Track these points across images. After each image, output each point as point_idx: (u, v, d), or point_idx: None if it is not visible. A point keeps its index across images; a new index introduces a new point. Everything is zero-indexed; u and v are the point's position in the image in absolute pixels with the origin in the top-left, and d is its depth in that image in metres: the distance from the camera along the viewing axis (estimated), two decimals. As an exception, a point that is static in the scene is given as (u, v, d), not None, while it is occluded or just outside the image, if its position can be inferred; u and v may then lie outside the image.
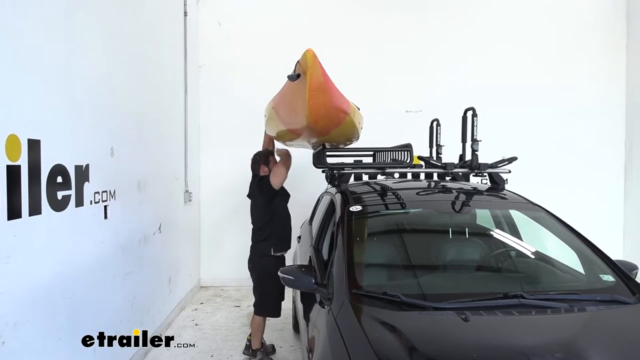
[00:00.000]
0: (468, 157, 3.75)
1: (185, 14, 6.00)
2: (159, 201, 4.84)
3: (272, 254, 4.12)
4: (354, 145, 4.49)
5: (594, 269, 2.68)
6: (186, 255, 6.11)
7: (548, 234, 2.96)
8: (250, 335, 4.33)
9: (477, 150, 3.62)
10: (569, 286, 2.73)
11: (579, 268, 2.78)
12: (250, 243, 4.26)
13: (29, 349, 2.56)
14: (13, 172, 2.40)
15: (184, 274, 6.00)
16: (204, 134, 6.83)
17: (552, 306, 2.24)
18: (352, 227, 2.85)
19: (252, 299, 4.25)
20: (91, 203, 3.27)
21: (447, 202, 3.30)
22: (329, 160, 3.81)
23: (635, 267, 2.74)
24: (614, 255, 2.80)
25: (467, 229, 3.31)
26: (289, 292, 4.27)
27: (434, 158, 4.44)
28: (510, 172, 3.63)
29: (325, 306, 2.46)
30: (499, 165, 3.60)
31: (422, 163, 4.06)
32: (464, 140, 3.84)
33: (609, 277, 2.54)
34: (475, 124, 3.65)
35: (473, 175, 3.78)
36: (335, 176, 3.74)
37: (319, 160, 3.84)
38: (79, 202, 3.09)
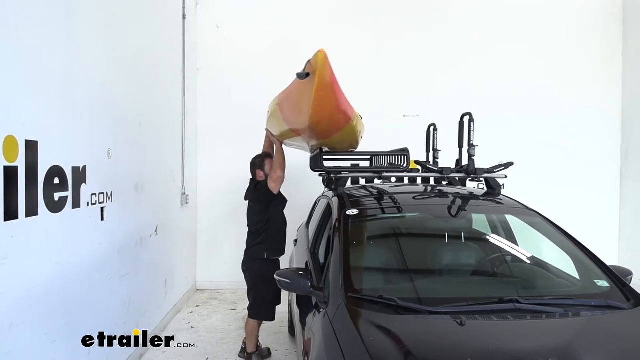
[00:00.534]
0: (465, 162, 3.77)
1: (184, 16, 6.01)
2: (155, 203, 4.84)
3: (265, 257, 4.11)
4: (351, 149, 4.50)
5: (589, 274, 2.69)
6: (182, 257, 6.10)
7: (544, 239, 2.97)
8: (245, 338, 4.32)
9: (473, 155, 3.64)
10: (564, 291, 2.74)
11: (574, 273, 2.79)
12: (245, 246, 4.26)
13: (24, 350, 2.55)
14: (10, 173, 2.40)
15: (180, 277, 6.00)
16: (201, 137, 6.84)
17: (547, 311, 2.25)
18: (348, 230, 2.86)
19: (248, 302, 4.25)
20: (88, 205, 3.27)
21: (444, 206, 3.31)
22: (326, 164, 3.82)
23: (630, 273, 2.75)
24: (609, 260, 2.82)
25: (463, 234, 3.32)
26: (284, 296, 4.28)
27: (431, 163, 4.45)
28: (506, 177, 3.64)
29: (321, 310, 2.46)
30: (495, 170, 3.62)
31: (419, 167, 4.08)
32: (460, 145, 3.85)
33: (603, 283, 2.55)
34: (472, 129, 3.67)
35: (470, 180, 3.79)
36: (332, 180, 3.75)
37: (316, 164, 3.85)
38: (76, 204, 3.09)
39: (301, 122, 3.10)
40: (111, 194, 3.64)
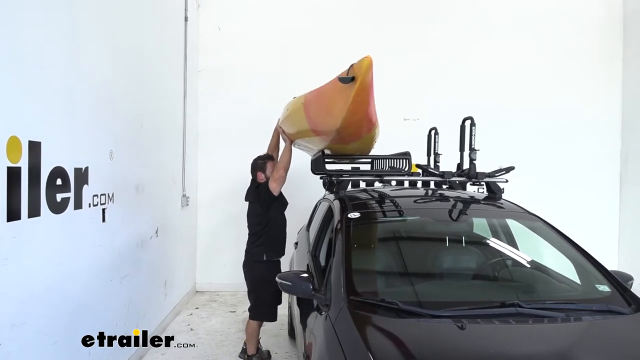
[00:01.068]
0: (466, 166, 3.77)
1: (186, 19, 6.02)
2: (156, 205, 4.84)
3: (265, 259, 4.11)
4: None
5: (590, 279, 2.70)
6: (182, 259, 6.10)
7: (545, 244, 2.98)
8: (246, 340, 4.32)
9: (474, 159, 3.64)
10: (566, 296, 2.75)
11: (575, 278, 2.80)
12: (245, 247, 4.26)
13: (25, 351, 2.55)
14: (13, 174, 2.41)
15: (180, 279, 5.99)
16: (202, 139, 6.84)
17: (548, 315, 2.26)
18: (350, 233, 2.86)
19: (248, 304, 4.25)
20: (90, 206, 3.27)
21: (445, 210, 3.32)
22: (327, 167, 3.82)
23: (631, 278, 2.76)
24: (609, 265, 2.82)
25: (465, 238, 3.32)
26: (285, 296, 4.26)
27: (432, 166, 4.46)
28: (507, 181, 3.65)
29: (323, 312, 2.46)
30: (496, 174, 3.62)
31: (420, 171, 4.08)
32: (461, 149, 3.86)
33: (605, 288, 2.56)
34: (473, 133, 3.67)
35: (470, 184, 3.80)
36: (334, 183, 3.75)
37: (317, 167, 3.86)
38: (78, 205, 3.09)
39: (330, 124, 3.08)
40: (112, 195, 3.65)
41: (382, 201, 3.47)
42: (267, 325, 4.37)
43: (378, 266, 2.98)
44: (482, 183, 3.70)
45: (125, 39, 4.00)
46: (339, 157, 4.16)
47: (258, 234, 4.14)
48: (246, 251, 4.24)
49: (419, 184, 4.07)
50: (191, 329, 5.26)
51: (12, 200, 2.40)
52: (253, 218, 4.21)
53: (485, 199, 3.49)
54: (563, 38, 6.93)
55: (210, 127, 6.84)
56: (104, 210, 3.50)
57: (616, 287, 2.54)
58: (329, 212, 3.62)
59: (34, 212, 2.59)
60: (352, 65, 2.62)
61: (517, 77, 6.87)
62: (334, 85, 2.84)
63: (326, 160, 3.85)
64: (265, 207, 4.13)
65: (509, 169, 3.64)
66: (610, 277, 2.62)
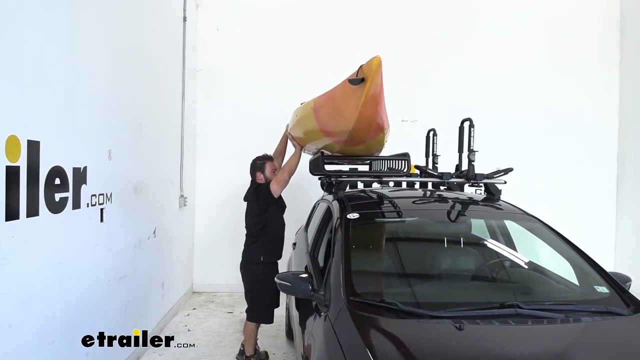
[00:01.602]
0: (464, 167, 3.78)
1: (185, 19, 6.02)
2: (154, 205, 4.83)
3: (262, 261, 4.10)
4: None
5: (588, 280, 2.71)
6: (180, 260, 6.08)
7: (543, 245, 2.99)
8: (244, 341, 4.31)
9: (473, 161, 3.65)
10: (565, 297, 2.76)
11: (573, 279, 2.80)
12: (243, 248, 4.25)
13: (23, 351, 2.54)
14: (12, 173, 2.40)
15: (177, 279, 5.98)
16: (200, 139, 6.83)
17: (548, 316, 2.26)
18: (349, 234, 2.86)
19: (245, 305, 4.24)
20: (88, 206, 3.26)
21: (444, 211, 3.32)
22: (326, 167, 3.82)
23: (629, 280, 2.77)
24: (605, 267, 2.83)
25: (464, 239, 3.33)
26: (282, 297, 4.26)
27: (431, 168, 4.46)
28: (505, 182, 3.66)
29: (322, 313, 2.46)
30: (495, 176, 3.63)
31: (418, 172, 4.09)
32: (460, 151, 3.87)
33: (603, 289, 2.56)
34: (472, 135, 3.68)
35: (469, 186, 3.80)
36: (333, 184, 3.75)
37: (316, 168, 3.85)
38: (76, 205, 3.08)
39: (342, 126, 3.08)
40: (111, 195, 3.64)
41: (381, 202, 3.48)
42: (264, 326, 4.36)
43: (377, 267, 2.98)
44: (480, 184, 3.71)
45: (124, 39, 3.99)
46: (338, 158, 4.16)
47: (255, 235, 4.13)
48: (243, 252, 4.23)
49: (417, 185, 4.07)
50: (188, 330, 5.25)
51: (11, 200, 2.38)
52: (251, 219, 4.20)
53: (484, 200, 3.50)
54: (560, 40, 6.95)
55: (208, 127, 6.83)
56: (102, 210, 3.49)
57: (614, 289, 2.54)
58: (328, 212, 3.62)
59: (33, 211, 2.58)
60: (361, 67, 2.63)
61: (515, 80, 6.89)
62: (343, 87, 2.84)
63: (325, 161, 3.85)
64: (263, 208, 4.12)
65: (508, 170, 3.65)
66: (609, 278, 2.63)
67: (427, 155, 4.67)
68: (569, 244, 2.91)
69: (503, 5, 6.98)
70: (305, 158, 4.76)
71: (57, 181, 2.83)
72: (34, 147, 2.59)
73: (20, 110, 2.51)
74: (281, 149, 4.64)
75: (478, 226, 3.41)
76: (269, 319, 4.18)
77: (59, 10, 2.91)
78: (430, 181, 3.88)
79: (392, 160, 4.13)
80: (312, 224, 4.41)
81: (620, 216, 6.94)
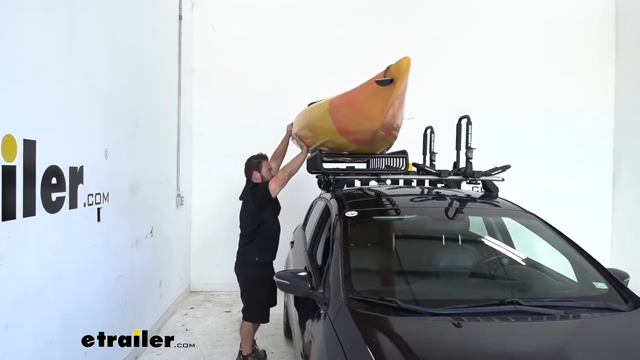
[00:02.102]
0: (462, 164, 3.78)
1: (180, 17, 5.99)
2: (151, 204, 4.81)
3: (256, 261, 4.08)
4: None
5: (586, 276, 2.71)
6: (177, 259, 6.07)
7: (541, 242, 2.99)
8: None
9: (471, 158, 3.65)
10: (564, 293, 2.77)
11: (572, 275, 2.81)
12: (237, 249, 4.23)
13: (20, 352, 2.52)
14: (8, 173, 2.38)
15: (175, 278, 5.96)
16: (196, 138, 6.81)
17: (547, 313, 2.26)
18: (348, 232, 2.86)
19: (242, 305, 4.22)
20: (85, 205, 3.24)
21: (443, 208, 3.33)
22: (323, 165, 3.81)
23: (627, 276, 2.78)
24: (601, 263, 2.83)
25: (463, 236, 3.33)
26: (280, 295, 4.24)
27: (428, 165, 4.46)
28: (503, 180, 3.66)
29: (321, 311, 2.45)
30: (493, 173, 3.64)
31: (415, 170, 4.08)
32: (458, 148, 3.87)
33: (602, 285, 2.57)
34: (469, 132, 3.68)
35: (467, 183, 3.80)
36: (331, 182, 3.74)
37: (314, 166, 3.84)
38: (73, 204, 3.06)
39: (366, 127, 3.10)
40: (107, 195, 3.62)
41: (379, 200, 3.47)
42: (263, 325, 4.35)
43: (376, 265, 2.98)
44: (478, 182, 3.71)
45: (121, 38, 3.97)
46: (339, 156, 4.15)
47: (250, 235, 4.10)
48: (238, 253, 4.21)
49: (414, 183, 4.07)
50: (186, 329, 5.23)
51: (7, 200, 2.37)
52: (246, 218, 4.17)
53: (482, 197, 3.50)
54: (556, 38, 6.96)
55: (204, 127, 6.81)
56: (99, 209, 3.47)
57: (613, 285, 2.55)
58: (326, 211, 3.62)
59: (29, 211, 2.56)
60: (388, 67, 2.62)
61: (511, 77, 6.90)
62: (368, 88, 2.82)
63: (324, 159, 3.84)
64: (259, 207, 4.09)
65: (505, 168, 3.66)
66: (607, 274, 2.63)
67: (424, 153, 4.67)
68: (567, 240, 2.92)
69: (501, 4, 6.98)
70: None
71: (54, 181, 2.82)
72: (30, 147, 2.57)
73: (16, 109, 2.49)
74: (281, 150, 4.61)
75: (476, 223, 3.42)
76: (265, 319, 4.16)
77: (58, 10, 2.90)
78: (428, 179, 3.87)
79: (390, 157, 4.12)
80: (310, 223, 4.41)
81: (616, 213, 6.97)
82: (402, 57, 2.56)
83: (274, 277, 2.77)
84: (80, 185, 3.16)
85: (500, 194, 3.58)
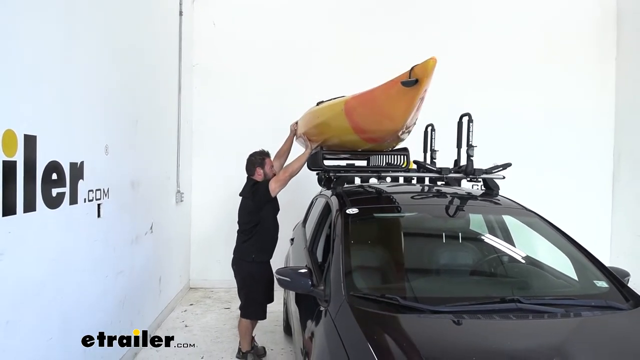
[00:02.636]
0: (463, 162, 3.77)
1: (181, 13, 5.97)
2: (151, 201, 4.80)
3: (253, 259, 4.06)
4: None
5: (587, 275, 2.71)
6: (176, 256, 6.06)
7: (542, 240, 2.99)
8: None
9: (472, 156, 3.65)
10: (565, 291, 2.77)
11: (572, 273, 2.81)
12: (235, 246, 4.23)
13: (20, 348, 2.52)
14: (9, 168, 2.37)
15: (174, 275, 5.96)
16: (196, 135, 6.79)
17: (548, 311, 2.27)
18: (349, 229, 2.85)
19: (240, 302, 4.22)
20: (85, 201, 3.23)
21: (443, 206, 3.32)
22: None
23: (627, 274, 2.78)
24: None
25: (463, 234, 3.33)
26: (279, 294, 4.24)
27: (429, 163, 4.46)
28: (504, 177, 3.66)
29: (322, 308, 2.45)
30: (493, 171, 3.63)
31: (415, 167, 4.08)
32: (459, 146, 3.86)
33: (602, 284, 2.57)
34: (471, 130, 3.68)
35: (467, 181, 3.80)
36: (331, 179, 3.73)
37: (315, 163, 3.84)
38: (73, 200, 3.06)
39: (388, 127, 3.13)
40: (108, 191, 3.61)
41: (380, 197, 3.47)
42: (262, 322, 4.35)
43: (377, 262, 2.98)
44: (479, 179, 3.70)
45: (121, 34, 3.96)
46: (339, 153, 4.14)
47: (248, 233, 4.09)
48: (235, 249, 4.20)
49: (414, 181, 4.07)
50: (186, 326, 5.23)
51: (8, 195, 2.36)
52: (244, 215, 4.16)
53: (483, 195, 3.50)
54: (556, 36, 6.94)
55: (204, 122, 6.79)
56: (99, 205, 3.46)
57: (614, 283, 2.55)
58: (327, 208, 3.61)
59: (30, 207, 2.55)
60: (413, 68, 2.62)
61: (512, 76, 6.88)
62: (391, 88, 2.82)
63: (325, 156, 3.83)
64: (258, 206, 4.07)
65: (506, 166, 3.65)
66: (608, 273, 2.63)
67: (425, 151, 4.67)
68: (568, 238, 2.92)
69: (502, 3, 6.97)
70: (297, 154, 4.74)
71: (54, 176, 2.81)
72: (30, 142, 2.56)
73: (17, 104, 2.48)
74: (285, 149, 4.58)
75: (477, 221, 3.42)
76: (262, 315, 4.16)
77: (56, 4, 2.88)
78: (428, 176, 3.87)
79: (392, 155, 4.12)
80: (310, 220, 4.40)
81: (615, 212, 6.97)
82: (428, 57, 2.59)
83: (275, 274, 2.77)
84: (80, 181, 3.15)
85: (501, 192, 3.57)
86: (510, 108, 6.83)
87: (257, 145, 4.47)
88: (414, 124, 3.33)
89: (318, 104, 4.18)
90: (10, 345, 2.42)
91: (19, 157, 2.45)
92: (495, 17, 6.94)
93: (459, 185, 3.88)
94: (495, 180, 3.63)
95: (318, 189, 4.59)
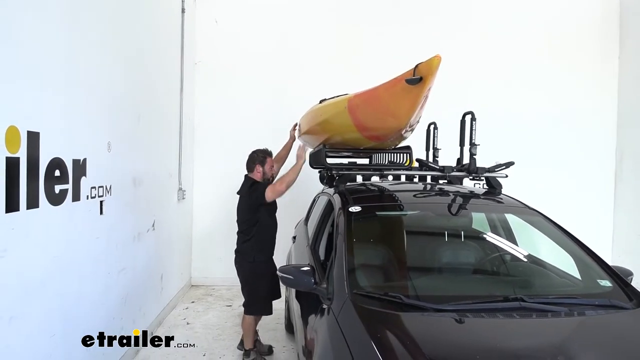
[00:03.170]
0: (465, 160, 3.76)
1: (183, 10, 5.97)
2: (153, 198, 4.80)
3: (254, 260, 4.06)
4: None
5: (590, 274, 2.70)
6: (178, 253, 6.06)
7: (545, 239, 2.98)
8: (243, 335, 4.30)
9: (475, 154, 3.63)
10: (568, 290, 2.76)
11: (575, 272, 2.80)
12: (235, 247, 4.22)
13: (24, 344, 2.52)
14: (12, 164, 2.37)
15: (176, 272, 5.96)
16: (198, 132, 6.79)
17: (552, 310, 2.25)
18: (352, 227, 2.85)
19: (243, 299, 4.21)
20: (87, 198, 3.23)
21: (445, 204, 3.31)
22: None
23: (631, 273, 2.77)
24: (605, 262, 2.83)
25: (466, 232, 3.33)
26: (282, 290, 4.23)
27: (432, 161, 4.45)
28: (507, 176, 3.65)
29: (325, 306, 2.45)
30: (496, 170, 3.62)
31: (418, 165, 4.07)
32: (462, 144, 3.85)
33: (606, 283, 2.56)
34: (473, 128, 3.66)
35: (470, 179, 3.79)
36: (334, 177, 3.73)
37: (317, 161, 3.83)
38: (76, 197, 3.06)
39: (392, 125, 3.12)
40: (110, 188, 3.61)
41: (382, 195, 3.47)
42: (264, 320, 4.35)
43: (380, 260, 2.97)
44: (481, 178, 3.70)
45: (123, 31, 3.95)
46: (341, 151, 4.13)
47: (247, 233, 4.09)
48: (236, 250, 4.21)
49: (416, 179, 4.05)
50: (187, 323, 5.24)
51: (11, 191, 2.36)
52: (242, 214, 4.16)
53: (485, 193, 3.49)
54: (558, 35, 6.92)
55: (206, 120, 6.79)
56: (101, 202, 3.46)
57: (617, 282, 2.54)
58: (329, 206, 3.61)
59: (33, 203, 2.56)
60: (417, 66, 2.62)
61: (514, 75, 6.86)
62: (395, 86, 2.81)
63: (328, 154, 3.82)
64: (255, 207, 4.08)
65: (509, 164, 3.64)
66: (612, 272, 2.62)
67: (427, 149, 4.66)
68: (571, 237, 2.91)
69: (503, 1, 6.95)
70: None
71: (57, 173, 2.81)
72: (33, 139, 2.56)
73: (20, 101, 2.48)
74: (283, 155, 4.58)
75: (479, 219, 3.41)
76: (268, 311, 4.15)
77: (59, 2, 2.87)
78: (431, 174, 3.86)
79: (394, 153, 4.11)
80: (313, 218, 4.40)
81: (618, 211, 6.95)
82: (433, 55, 2.59)
83: (277, 272, 2.77)
84: (83, 177, 3.15)
85: (503, 191, 3.57)
86: (512, 107, 6.80)
87: (258, 143, 4.47)
88: (418, 122, 3.31)
89: (321, 101, 4.17)
90: (15, 341, 2.43)
91: (22, 154, 2.45)
92: (497, 17, 6.92)
93: (462, 183, 3.88)
94: (498, 178, 3.63)
95: (320, 186, 4.58)
